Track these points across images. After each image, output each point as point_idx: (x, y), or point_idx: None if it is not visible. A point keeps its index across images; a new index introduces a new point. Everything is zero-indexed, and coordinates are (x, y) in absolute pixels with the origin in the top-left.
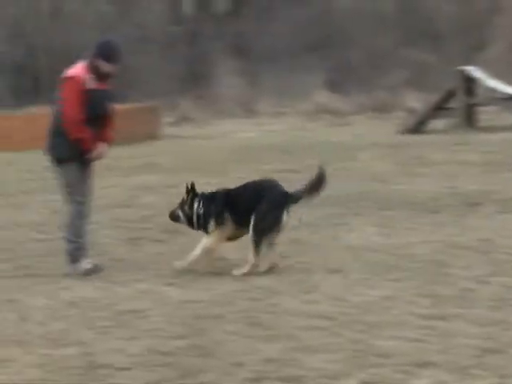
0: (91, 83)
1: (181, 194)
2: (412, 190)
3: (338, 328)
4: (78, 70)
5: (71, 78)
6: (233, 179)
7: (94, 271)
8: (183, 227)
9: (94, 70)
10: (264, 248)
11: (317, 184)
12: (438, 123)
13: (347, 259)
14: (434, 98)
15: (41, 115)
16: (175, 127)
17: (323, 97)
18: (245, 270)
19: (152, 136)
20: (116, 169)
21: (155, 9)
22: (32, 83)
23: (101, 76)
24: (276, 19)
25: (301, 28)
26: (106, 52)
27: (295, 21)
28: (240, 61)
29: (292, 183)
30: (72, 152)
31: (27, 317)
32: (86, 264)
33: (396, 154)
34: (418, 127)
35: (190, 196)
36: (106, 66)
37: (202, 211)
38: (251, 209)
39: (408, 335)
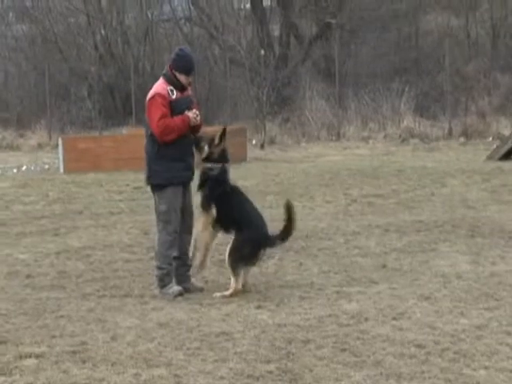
0: (172, 94)
1: (270, 217)
2: (503, 217)
3: (429, 356)
4: (159, 86)
5: (157, 95)
6: (319, 203)
7: (182, 294)
8: None
9: (172, 81)
10: (242, 271)
11: (288, 229)
12: None
13: (437, 286)
14: None
15: (130, 136)
16: (261, 150)
17: (411, 121)
18: (227, 293)
19: (238, 158)
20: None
21: (244, 32)
22: (122, 104)
23: (179, 86)
24: (363, 43)
25: (389, 52)
26: (182, 65)
27: (383, 44)
28: (327, 84)
29: (378, 208)
30: (169, 176)
31: (117, 337)
32: (175, 288)
33: (486, 181)
34: (508, 154)
35: (216, 148)
36: (182, 78)
37: (208, 176)
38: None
39: (500, 365)
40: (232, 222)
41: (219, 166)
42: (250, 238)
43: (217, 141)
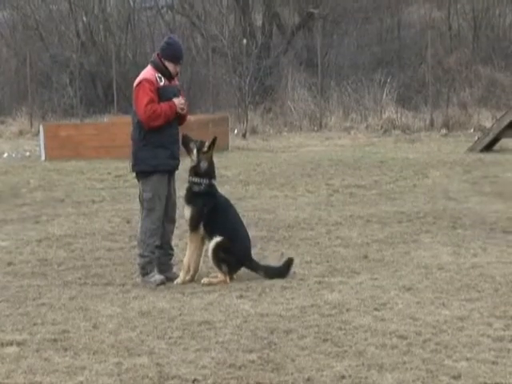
0: (160, 81)
1: (251, 207)
2: (484, 209)
3: (410, 347)
4: (147, 73)
5: (144, 80)
6: (301, 193)
7: (164, 283)
8: None
9: (160, 69)
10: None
11: (279, 272)
12: (510, 142)
13: (419, 277)
14: (506, 116)
15: (112, 124)
16: (243, 139)
17: (393, 112)
18: (215, 281)
19: (220, 147)
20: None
21: (226, 21)
22: (103, 92)
23: (167, 74)
24: (346, 34)
25: (371, 43)
26: (171, 53)
27: (365, 35)
28: (309, 74)
29: (360, 199)
30: (155, 163)
31: (99, 325)
32: (157, 277)
33: (467, 173)
34: (489, 145)
35: (205, 155)
36: (171, 66)
37: (195, 190)
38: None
39: (481, 356)
40: (218, 231)
41: (206, 181)
42: (235, 251)
43: (206, 148)
